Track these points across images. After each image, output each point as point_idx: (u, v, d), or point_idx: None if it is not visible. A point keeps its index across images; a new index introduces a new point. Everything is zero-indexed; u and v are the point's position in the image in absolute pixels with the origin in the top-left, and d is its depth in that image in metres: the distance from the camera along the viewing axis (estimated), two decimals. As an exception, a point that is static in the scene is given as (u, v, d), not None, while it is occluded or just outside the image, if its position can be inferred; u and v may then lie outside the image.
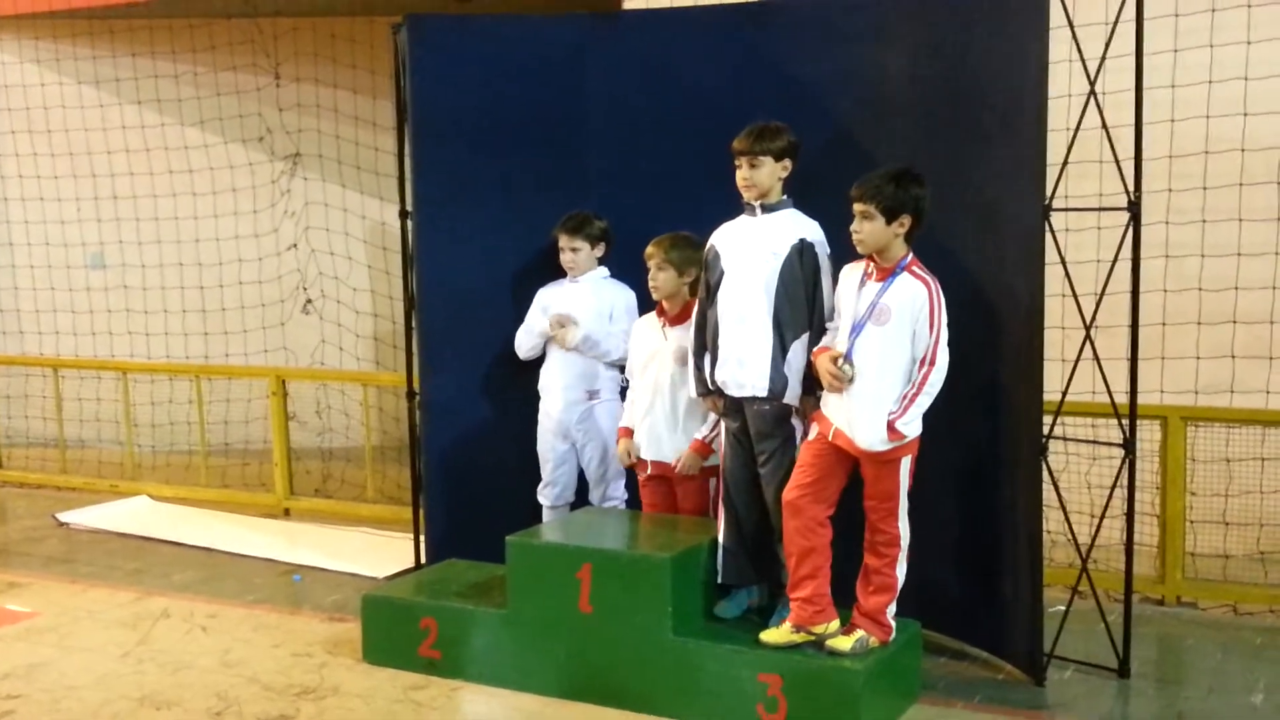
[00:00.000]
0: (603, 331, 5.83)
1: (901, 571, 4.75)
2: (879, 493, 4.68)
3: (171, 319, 10.42)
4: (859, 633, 4.69)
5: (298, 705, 4.99)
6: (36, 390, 9.89)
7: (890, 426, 4.54)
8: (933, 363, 4.55)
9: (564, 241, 5.89)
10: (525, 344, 6.00)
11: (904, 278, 4.59)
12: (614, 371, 5.90)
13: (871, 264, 4.66)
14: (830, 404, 4.70)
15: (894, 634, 4.77)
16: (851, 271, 4.73)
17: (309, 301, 10.46)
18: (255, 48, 10.18)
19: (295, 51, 10.15)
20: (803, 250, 4.82)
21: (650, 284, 5.42)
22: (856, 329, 4.61)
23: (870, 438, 4.57)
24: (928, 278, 4.60)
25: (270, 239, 10.37)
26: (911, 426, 4.58)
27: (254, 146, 10.37)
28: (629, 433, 5.56)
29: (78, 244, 10.52)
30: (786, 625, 4.73)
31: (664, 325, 5.44)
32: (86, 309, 10.50)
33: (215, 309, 10.35)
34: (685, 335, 5.26)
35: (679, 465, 5.34)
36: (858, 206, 4.60)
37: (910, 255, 4.64)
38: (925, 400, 4.57)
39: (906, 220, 4.58)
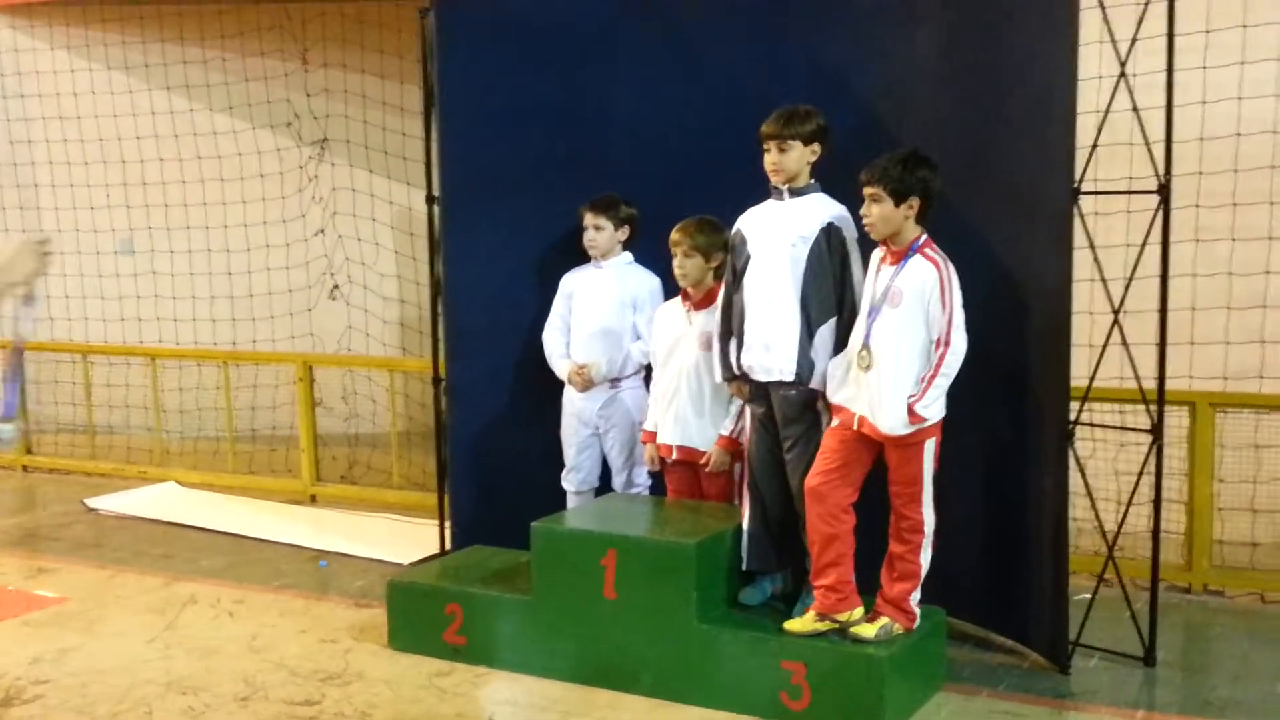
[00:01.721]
0: (620, 345, 5.86)
1: (926, 558, 4.73)
2: (903, 478, 4.65)
3: (200, 305, 10.45)
4: (883, 620, 4.67)
5: (323, 690, 5.01)
6: (66, 376, 9.92)
7: (910, 410, 4.51)
8: (948, 344, 4.52)
9: (588, 219, 5.87)
10: (549, 351, 6.03)
11: (915, 260, 4.57)
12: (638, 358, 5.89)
13: (886, 248, 4.65)
14: (851, 390, 4.68)
15: (918, 621, 4.75)
16: (877, 255, 4.72)
17: (336, 287, 10.49)
18: (283, 33, 10.19)
19: (323, 36, 10.14)
20: (830, 233, 4.79)
21: (677, 271, 5.37)
22: (873, 313, 4.60)
23: (891, 422, 4.54)
24: (938, 258, 4.57)
25: (298, 225, 10.39)
26: (932, 410, 4.54)
27: (282, 132, 10.39)
28: (652, 437, 5.54)
29: (107, 230, 10.55)
30: (810, 614, 4.72)
31: (688, 310, 5.41)
32: (116, 295, 10.53)
33: (243, 295, 10.37)
34: (710, 320, 5.24)
35: (709, 464, 5.32)
36: (866, 190, 4.60)
37: (924, 237, 4.61)
38: (943, 382, 4.54)
39: (915, 202, 4.56)
